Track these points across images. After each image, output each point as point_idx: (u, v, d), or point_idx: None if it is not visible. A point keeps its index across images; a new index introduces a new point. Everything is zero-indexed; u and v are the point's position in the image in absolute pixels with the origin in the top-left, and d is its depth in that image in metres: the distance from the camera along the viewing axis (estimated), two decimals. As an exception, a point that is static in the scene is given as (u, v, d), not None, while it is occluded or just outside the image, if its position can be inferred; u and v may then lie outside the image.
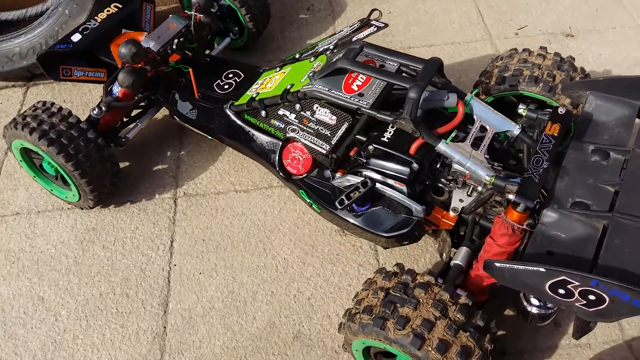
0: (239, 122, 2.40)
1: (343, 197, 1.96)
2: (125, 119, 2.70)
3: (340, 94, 2.05)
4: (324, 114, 2.11)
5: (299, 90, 2.14)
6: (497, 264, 1.66)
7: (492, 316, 1.79)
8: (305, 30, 3.46)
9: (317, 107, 2.13)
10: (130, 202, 2.67)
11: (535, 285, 1.62)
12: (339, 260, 2.42)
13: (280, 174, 2.30)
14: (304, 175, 2.26)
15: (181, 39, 2.58)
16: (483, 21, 3.46)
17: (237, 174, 2.74)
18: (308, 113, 2.15)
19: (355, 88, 2.06)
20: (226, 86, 2.56)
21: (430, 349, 1.62)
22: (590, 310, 1.57)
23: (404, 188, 2.01)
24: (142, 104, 2.69)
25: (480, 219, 2.06)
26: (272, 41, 3.39)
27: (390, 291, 1.77)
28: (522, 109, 2.11)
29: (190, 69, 2.48)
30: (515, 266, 1.62)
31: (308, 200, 2.22)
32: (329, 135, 2.11)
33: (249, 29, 3.05)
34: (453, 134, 1.96)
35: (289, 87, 2.22)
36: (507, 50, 2.56)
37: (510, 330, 2.16)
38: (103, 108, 2.49)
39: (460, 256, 1.98)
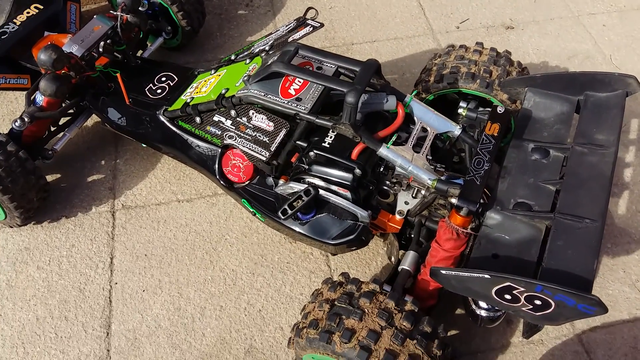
0: (173, 128, 2.29)
1: (286, 206, 1.90)
2: (53, 129, 2.53)
3: (277, 98, 1.97)
4: (261, 120, 2.03)
5: (234, 96, 2.05)
6: (443, 271, 1.64)
7: (441, 319, 1.78)
8: (245, 28, 3.35)
9: (253, 113, 2.05)
10: (65, 217, 2.52)
11: (481, 292, 1.62)
12: (289, 269, 2.36)
13: (221, 182, 2.21)
14: (245, 183, 2.19)
15: (108, 41, 2.44)
16: (425, 15, 3.44)
17: (179, 183, 2.63)
18: (244, 119, 2.07)
19: (293, 92, 1.99)
20: (159, 90, 2.44)
21: (378, 362, 1.59)
22: (537, 314, 1.58)
23: (348, 194, 1.97)
24: (70, 111, 2.54)
25: (427, 222, 2.05)
26: (210, 40, 3.27)
27: (336, 303, 1.73)
28: (461, 109, 2.10)
29: (118, 74, 2.34)
30: (460, 273, 1.60)
31: (251, 210, 2.15)
32: (267, 141, 2.04)
33: (182, 27, 2.92)
34: (394, 137, 1.93)
35: (223, 91, 2.13)
36: (447, 45, 2.55)
37: (462, 331, 2.17)
38: (26, 119, 2.32)
39: (407, 260, 1.96)
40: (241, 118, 2.07)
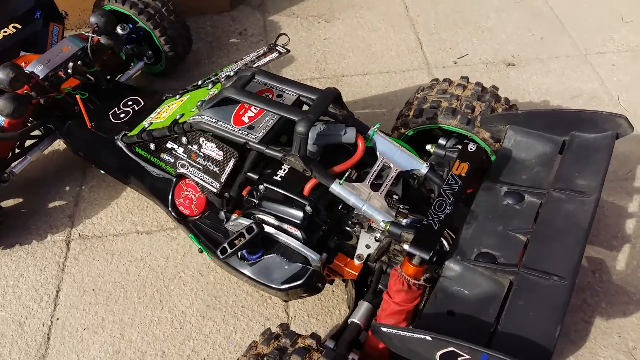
0: (130, 155, 2.17)
1: (226, 244, 1.71)
2: (17, 151, 2.44)
3: (228, 126, 1.82)
4: (211, 149, 1.88)
5: (185, 122, 1.91)
6: (384, 329, 1.42)
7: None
8: (235, 55, 3.26)
9: (203, 141, 1.90)
10: (19, 244, 2.39)
11: (425, 355, 1.38)
12: (243, 314, 2.15)
13: (173, 214, 2.05)
14: (197, 217, 2.02)
15: (78, 63, 2.36)
16: (422, 49, 3.29)
17: (141, 213, 2.48)
18: (195, 147, 1.92)
19: (247, 120, 1.84)
20: (122, 115, 2.33)
21: None
22: (490, 386, 1.33)
23: (299, 233, 1.77)
24: (37, 133, 2.45)
25: (387, 269, 1.83)
26: (198, 66, 3.18)
27: (265, 359, 1.51)
28: (429, 146, 1.91)
29: (78, 96, 2.25)
30: (401, 332, 1.38)
31: (198, 246, 1.98)
32: (217, 172, 1.88)
33: (165, 52, 2.84)
34: (347, 173, 1.74)
35: (178, 117, 2.00)
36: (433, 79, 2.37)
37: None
38: None
39: (359, 313, 1.73)
40: (192, 146, 1.93)
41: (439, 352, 1.33)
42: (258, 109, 1.87)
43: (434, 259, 1.51)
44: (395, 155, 1.83)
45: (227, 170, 1.86)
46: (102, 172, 2.33)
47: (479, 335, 1.40)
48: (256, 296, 2.19)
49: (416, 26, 3.43)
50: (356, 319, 1.72)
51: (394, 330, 1.40)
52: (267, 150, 1.77)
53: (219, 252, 1.71)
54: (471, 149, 1.79)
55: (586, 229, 1.51)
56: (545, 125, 1.85)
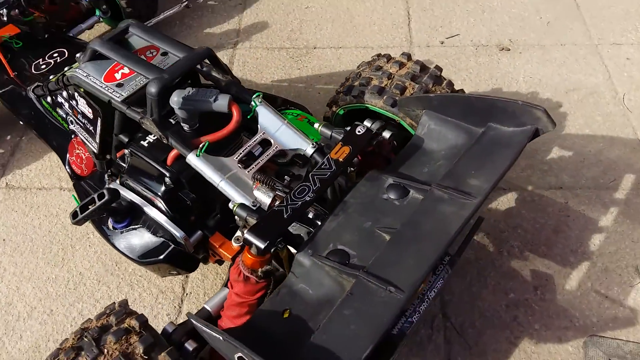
0: (39, 107, 2.10)
1: (77, 208, 1.59)
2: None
3: (97, 82, 1.69)
4: (83, 105, 1.77)
5: (65, 75, 1.80)
6: (194, 320, 1.26)
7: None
8: (208, 19, 3.12)
9: (78, 97, 1.79)
10: (-51, 187, 2.41)
11: (229, 356, 1.21)
12: (139, 283, 2.05)
13: (68, 171, 1.97)
14: (85, 177, 1.93)
15: (16, 11, 2.31)
16: (409, 25, 3.00)
17: (69, 170, 2.42)
18: (74, 102, 1.81)
19: (119, 77, 1.70)
20: (43, 66, 2.25)
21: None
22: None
23: (163, 207, 1.63)
24: None
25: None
26: (167, 28, 3.06)
27: (85, 334, 1.40)
28: (316, 124, 1.70)
29: None
30: (204, 328, 1.22)
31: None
32: (92, 131, 1.77)
33: (123, 9, 2.73)
34: (206, 145, 1.56)
35: (66, 69, 1.89)
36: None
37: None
38: None
39: (215, 299, 1.58)
40: (72, 101, 1.82)
41: (236, 355, 1.16)
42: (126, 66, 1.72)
43: (271, 249, 1.32)
44: (278, 131, 1.64)
45: (98, 129, 1.74)
46: (21, 123, 2.28)
47: (298, 342, 1.21)
48: (148, 269, 2.08)
49: (409, 0, 3.14)
50: (209, 305, 1.57)
51: (199, 324, 1.24)
52: (127, 111, 1.63)
53: (70, 216, 1.60)
54: (359, 132, 1.56)
55: (450, 236, 1.26)
56: (461, 113, 1.60)
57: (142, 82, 1.68)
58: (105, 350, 1.33)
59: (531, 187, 2.25)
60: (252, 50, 2.95)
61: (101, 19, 2.79)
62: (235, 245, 1.65)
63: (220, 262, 1.83)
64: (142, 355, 1.33)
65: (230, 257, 1.65)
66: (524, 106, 1.46)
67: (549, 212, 2.16)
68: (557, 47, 2.84)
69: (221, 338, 1.14)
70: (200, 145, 1.55)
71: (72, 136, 1.97)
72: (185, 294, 2.02)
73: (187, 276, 2.06)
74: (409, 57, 2.02)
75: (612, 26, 2.93)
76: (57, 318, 1.98)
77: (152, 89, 1.51)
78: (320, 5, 3.15)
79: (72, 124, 1.89)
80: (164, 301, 2.00)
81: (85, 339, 1.38)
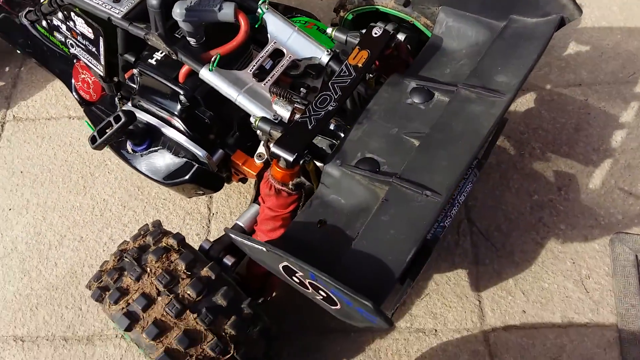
0: (34, 33, 2.01)
1: (95, 133, 1.56)
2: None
3: None
4: (82, 25, 1.68)
5: None
6: (233, 235, 1.29)
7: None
8: None
9: (74, 16, 1.69)
10: (-43, 124, 2.38)
11: (271, 266, 1.26)
12: (164, 206, 2.08)
13: (76, 97, 1.93)
14: (95, 102, 1.89)
15: None
16: None
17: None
18: (72, 23, 1.73)
19: None
20: None
21: (141, 331, 1.31)
22: (332, 308, 1.20)
23: (182, 126, 1.61)
24: None
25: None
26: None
27: (125, 255, 1.44)
28: (329, 29, 1.62)
29: None
30: (245, 241, 1.24)
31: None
32: (96, 53, 1.70)
33: None
34: (217, 59, 1.50)
35: None
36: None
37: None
38: None
39: (246, 216, 1.60)
40: (69, 22, 1.73)
41: (281, 265, 1.20)
42: None
43: (300, 161, 1.32)
44: (289, 40, 1.57)
45: (101, 50, 1.67)
46: (19, 52, 2.20)
47: (338, 249, 1.25)
48: (173, 191, 2.10)
49: None
50: (241, 221, 1.60)
51: (238, 238, 1.26)
52: (129, 27, 1.55)
53: (89, 141, 1.58)
54: (376, 34, 1.50)
55: (483, 137, 1.26)
56: (481, 6, 1.52)
57: None
58: (148, 269, 1.38)
59: (549, 86, 2.20)
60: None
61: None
62: (258, 162, 1.64)
63: (243, 180, 1.83)
64: (185, 271, 1.38)
65: (255, 174, 1.65)
66: (551, -7, 1.39)
67: (569, 110, 2.13)
68: None
69: (265, 249, 1.17)
70: (212, 59, 1.49)
71: (75, 60, 1.89)
72: (211, 214, 2.05)
73: (211, 197, 2.08)
74: (419, -52, 1.89)
75: None
76: (88, 244, 2.03)
77: (153, 1, 1.42)
78: None
79: (72, 47, 1.81)
80: (191, 222, 2.04)
81: (126, 260, 1.42)
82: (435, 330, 1.77)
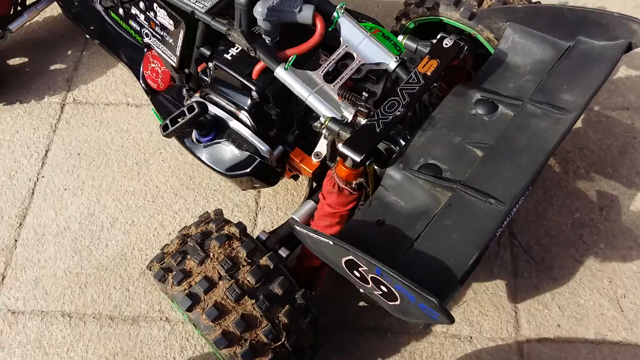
0: (107, 19, 2.10)
1: (167, 121, 1.63)
2: (19, 9, 2.44)
3: None
4: (163, 16, 1.76)
5: None
6: (298, 227, 1.34)
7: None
8: None
9: (156, 7, 1.77)
10: (19, 102, 2.46)
11: (332, 259, 1.31)
12: (214, 197, 2.14)
13: (143, 86, 2.01)
14: (163, 92, 1.96)
15: None
16: None
17: (134, 85, 2.45)
18: (152, 14, 1.80)
19: None
20: None
21: (201, 313, 1.37)
22: (390, 304, 1.24)
23: (248, 121, 1.67)
24: None
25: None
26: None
27: (188, 240, 1.50)
28: (401, 37, 1.67)
29: None
30: (311, 234, 1.29)
31: (160, 123, 1.93)
32: (172, 44, 1.77)
33: None
34: (294, 58, 1.56)
35: None
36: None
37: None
38: None
39: (302, 210, 1.65)
40: (149, 12, 1.81)
41: (344, 259, 1.24)
42: None
43: (367, 162, 1.37)
44: (361, 44, 1.62)
45: (180, 42, 1.74)
46: (88, 37, 2.29)
47: (398, 249, 1.29)
48: (230, 182, 2.17)
49: None
50: (297, 216, 1.64)
51: (304, 230, 1.32)
52: (212, 22, 1.62)
53: (160, 128, 1.65)
54: (446, 44, 1.55)
55: (548, 151, 1.29)
56: (549, 25, 1.56)
57: None
58: (211, 254, 1.44)
59: (598, 108, 2.22)
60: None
61: None
62: (315, 160, 1.69)
63: (295, 177, 1.88)
64: (246, 258, 1.43)
65: (311, 171, 1.70)
66: (619, 18, 1.42)
67: (616, 133, 2.15)
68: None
69: (331, 242, 1.21)
70: (290, 58, 1.56)
71: (146, 50, 1.97)
72: (259, 208, 2.11)
73: (259, 191, 2.14)
74: (486, -35, 1.94)
75: None
76: (139, 228, 2.10)
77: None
78: None
79: (147, 36, 1.89)
80: (239, 214, 2.09)
81: (190, 244, 1.48)
82: (471, 337, 1.80)
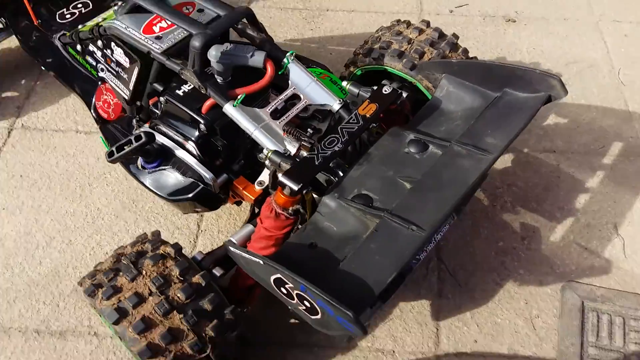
0: (64, 54, 2.21)
1: (114, 148, 1.69)
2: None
3: (136, 33, 1.79)
4: (120, 54, 1.87)
5: (101, 25, 1.90)
6: (232, 248, 1.38)
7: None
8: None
9: (114, 46, 1.89)
10: (-34, 125, 2.45)
11: (263, 278, 1.35)
12: (156, 220, 2.15)
13: (93, 115, 2.08)
14: (113, 121, 2.03)
15: None
16: (419, -8, 3.08)
17: (85, 114, 2.46)
18: (109, 52, 1.92)
19: (157, 30, 1.80)
20: (68, 15, 2.33)
21: (128, 326, 1.37)
22: (312, 318, 1.29)
23: (195, 150, 1.75)
24: None
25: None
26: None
27: (122, 258, 1.51)
28: (345, 82, 1.81)
29: None
30: (242, 253, 1.33)
31: (107, 149, 1.97)
32: (126, 79, 1.88)
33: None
34: (242, 97, 1.67)
35: (100, 20, 1.99)
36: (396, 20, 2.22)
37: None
38: None
39: (240, 233, 1.69)
40: (106, 50, 1.93)
41: (272, 277, 1.28)
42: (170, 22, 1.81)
43: (303, 191, 1.44)
44: (307, 87, 1.75)
45: (134, 78, 1.84)
46: (43, 69, 2.35)
47: (325, 269, 1.34)
48: (172, 206, 2.18)
49: (423, -35, 3.21)
50: (235, 238, 1.68)
51: (238, 251, 1.35)
52: (167, 62, 1.73)
53: (106, 155, 1.70)
54: (385, 91, 1.67)
55: (468, 186, 1.40)
56: (480, 78, 1.71)
57: (180, 35, 1.78)
58: (144, 272, 1.45)
59: (527, 150, 2.40)
60: (265, 9, 3.03)
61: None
62: (257, 188, 1.77)
63: (238, 203, 1.96)
64: (179, 276, 1.45)
65: (253, 198, 1.77)
66: (540, 75, 1.58)
67: (542, 172, 2.33)
68: (560, 22, 2.96)
69: (261, 262, 1.26)
70: (239, 96, 1.66)
71: (100, 83, 2.07)
72: (200, 231, 2.13)
73: (201, 215, 2.17)
74: (428, 24, 2.11)
75: (614, 3, 3.06)
76: (75, 247, 2.07)
77: (197, 43, 1.61)
78: (334, -35, 3.20)
79: (102, 71, 1.99)
80: (180, 236, 2.11)
81: (123, 262, 1.49)
82: (393, 352, 1.86)
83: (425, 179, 1.46)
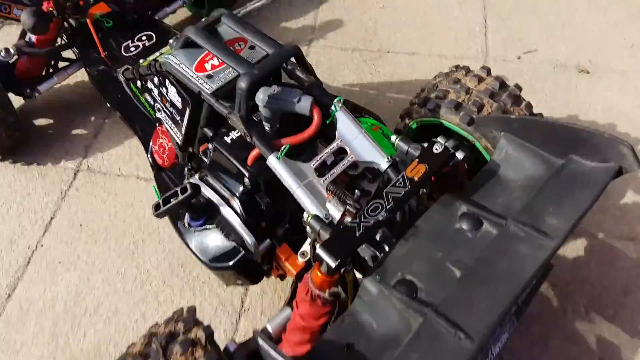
0: (127, 90, 2.14)
1: (160, 201, 1.58)
2: (51, 71, 2.55)
3: (188, 71, 1.67)
4: (173, 93, 1.77)
5: (157, 61, 1.80)
6: (262, 342, 1.27)
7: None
8: (285, 12, 3.13)
9: (168, 84, 1.78)
10: (36, 163, 2.53)
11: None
12: (201, 290, 2.08)
13: (150, 160, 2.02)
14: (166, 169, 1.97)
15: None
16: (485, 35, 2.90)
17: (146, 158, 2.45)
18: (164, 89, 1.82)
19: (209, 67, 1.68)
20: (132, 48, 2.29)
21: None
22: None
23: (239, 209, 1.63)
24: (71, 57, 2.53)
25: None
26: (247, 19, 3.06)
27: (152, 341, 1.45)
28: (394, 137, 1.64)
29: (88, 20, 2.25)
30: (271, 351, 1.22)
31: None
32: (179, 121, 1.78)
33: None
34: (286, 148, 1.53)
35: (158, 54, 1.95)
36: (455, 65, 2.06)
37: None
38: (11, 51, 2.36)
39: (277, 320, 1.55)
40: (162, 88, 1.83)
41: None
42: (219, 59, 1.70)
43: (341, 269, 1.31)
44: (355, 141, 1.59)
45: (185, 120, 1.74)
46: (108, 105, 2.36)
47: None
48: (215, 275, 2.12)
49: (487, 7, 3.03)
50: (271, 325, 1.54)
51: (267, 347, 1.25)
52: (215, 104, 1.61)
53: (152, 208, 1.60)
54: (436, 149, 1.51)
55: (525, 281, 1.22)
56: (542, 140, 1.52)
57: (230, 75, 1.67)
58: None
59: (602, 235, 2.11)
60: (326, 49, 2.94)
61: (184, 4, 2.83)
62: (300, 260, 1.61)
63: (282, 277, 1.81)
64: (207, 369, 1.36)
65: (295, 272, 1.63)
66: (609, 140, 1.38)
67: (619, 267, 2.02)
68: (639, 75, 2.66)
69: (287, 367, 1.14)
70: (282, 148, 1.53)
71: (157, 124, 2.00)
72: (243, 309, 2.03)
73: (246, 289, 2.07)
74: (488, 71, 1.93)
75: None
76: (120, 318, 2.04)
77: (243, 84, 1.50)
78: (396, 5, 3.10)
79: (159, 111, 1.91)
80: (222, 314, 2.02)
81: (153, 346, 1.42)
82: None
83: (476, 266, 1.30)
